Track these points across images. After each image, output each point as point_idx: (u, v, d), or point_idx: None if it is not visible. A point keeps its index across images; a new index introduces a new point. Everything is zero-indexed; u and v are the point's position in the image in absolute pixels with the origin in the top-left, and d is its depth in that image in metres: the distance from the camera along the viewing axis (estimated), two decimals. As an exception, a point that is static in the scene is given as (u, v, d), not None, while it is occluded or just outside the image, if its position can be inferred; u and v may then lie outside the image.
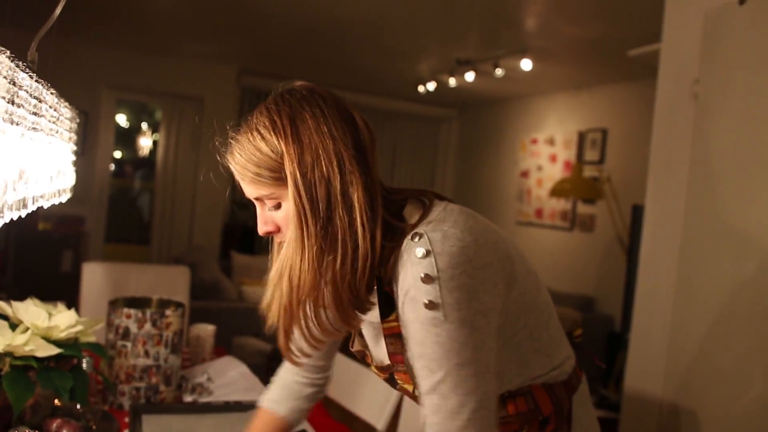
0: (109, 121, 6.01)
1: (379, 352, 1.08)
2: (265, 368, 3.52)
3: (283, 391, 1.30)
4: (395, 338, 1.00)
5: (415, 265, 0.90)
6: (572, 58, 4.75)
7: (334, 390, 2.15)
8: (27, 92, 0.88)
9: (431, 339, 0.90)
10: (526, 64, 4.57)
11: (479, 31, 4.39)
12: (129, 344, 1.70)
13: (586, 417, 1.09)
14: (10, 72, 0.75)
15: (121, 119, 8.04)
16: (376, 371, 1.13)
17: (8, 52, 0.73)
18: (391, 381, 1.09)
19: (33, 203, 1.01)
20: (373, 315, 1.04)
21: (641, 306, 2.47)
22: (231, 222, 6.49)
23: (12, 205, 0.85)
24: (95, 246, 5.82)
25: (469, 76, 5.02)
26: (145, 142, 7.80)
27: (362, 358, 1.16)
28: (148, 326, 1.70)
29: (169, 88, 6.04)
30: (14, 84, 0.79)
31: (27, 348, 1.42)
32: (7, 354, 1.41)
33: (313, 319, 1.00)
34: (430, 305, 0.89)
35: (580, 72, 5.15)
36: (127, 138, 8.33)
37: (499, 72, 4.74)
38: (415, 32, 4.46)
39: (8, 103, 0.76)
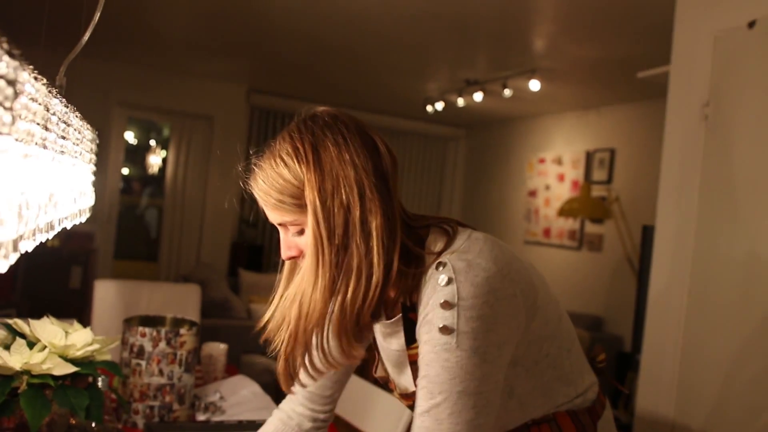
0: (119, 138, 6.07)
1: (404, 379, 1.09)
2: (273, 387, 3.52)
3: (280, 426, 1.24)
4: (416, 366, 1.00)
5: (436, 292, 0.91)
6: (580, 79, 4.78)
7: (344, 409, 2.15)
8: (58, 117, 0.91)
9: (439, 362, 0.90)
10: (534, 85, 4.60)
11: (488, 52, 4.43)
12: (143, 363, 1.71)
13: None
14: (45, 99, 0.77)
15: (129, 136, 8.11)
16: (399, 398, 1.13)
17: (44, 79, 0.75)
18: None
19: (59, 225, 1.03)
20: (398, 342, 1.04)
21: (652, 327, 2.46)
22: (239, 240, 6.51)
23: (42, 228, 0.87)
24: (104, 262, 5.85)
25: (478, 96, 5.05)
26: (154, 160, 7.86)
27: (385, 384, 1.17)
28: (162, 345, 1.71)
29: (179, 106, 6.10)
30: (48, 110, 0.81)
31: (44, 366, 1.43)
32: (25, 372, 1.43)
33: (318, 347, 0.99)
34: (445, 330, 0.89)
35: (587, 92, 5.18)
36: (134, 155, 8.39)
37: (507, 92, 4.77)
38: (424, 53, 4.51)
39: (42, 128, 0.78)
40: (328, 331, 0.97)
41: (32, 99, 0.73)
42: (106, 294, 2.66)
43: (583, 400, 1.06)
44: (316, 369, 1.02)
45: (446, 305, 0.89)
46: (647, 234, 3.75)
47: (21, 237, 0.77)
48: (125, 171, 7.62)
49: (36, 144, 0.79)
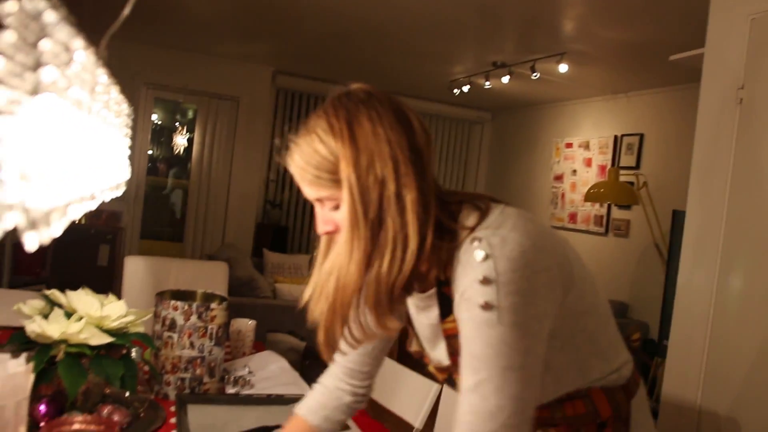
0: (146, 119, 6.12)
1: (438, 353, 1.10)
2: (299, 365, 3.56)
3: (321, 399, 1.30)
4: (455, 339, 1.01)
5: (473, 268, 0.91)
6: (610, 62, 4.72)
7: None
8: (102, 88, 0.92)
9: (482, 339, 0.91)
10: (562, 68, 4.55)
11: (516, 34, 4.38)
12: (175, 335, 1.74)
13: (644, 422, 1.09)
14: (92, 68, 0.79)
15: (153, 117, 8.18)
16: (434, 372, 1.14)
17: (93, 48, 0.76)
18: (450, 382, 1.11)
19: (100, 195, 1.05)
20: (432, 316, 1.05)
21: (680, 312, 2.45)
22: (263, 221, 6.55)
23: (86, 197, 0.88)
24: (131, 242, 5.93)
25: (505, 79, 5.01)
26: (179, 141, 7.91)
27: (419, 358, 1.18)
28: (194, 319, 1.74)
29: (205, 87, 6.13)
30: (94, 79, 0.83)
31: (81, 336, 1.46)
32: (62, 341, 1.46)
33: (355, 318, 1.01)
34: (486, 306, 0.89)
35: (617, 76, 5.12)
36: (159, 135, 8.45)
37: (535, 75, 4.73)
38: (450, 35, 4.47)
39: (89, 97, 0.80)
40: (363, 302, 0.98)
41: (82, 67, 0.74)
42: (135, 270, 2.70)
43: (617, 377, 1.06)
44: (355, 339, 1.04)
45: (485, 281, 0.89)
46: (677, 219, 3.72)
47: (69, 203, 0.79)
48: (150, 152, 7.70)
49: (83, 112, 0.80)
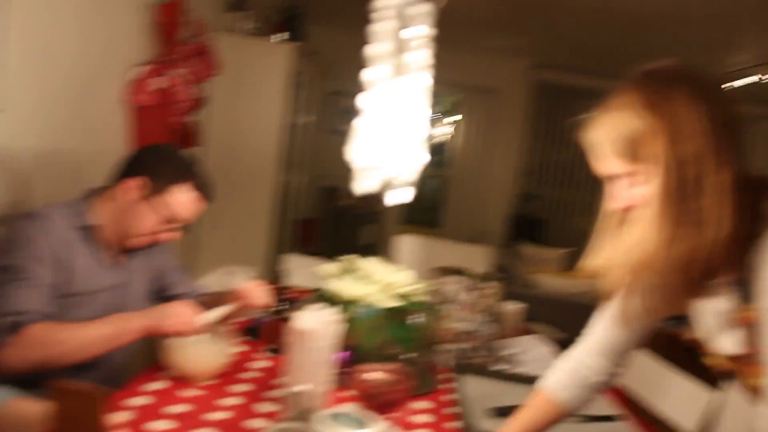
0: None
1: (725, 341, 1.05)
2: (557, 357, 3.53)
3: (570, 376, 1.27)
4: (750, 329, 0.97)
5: None
6: None
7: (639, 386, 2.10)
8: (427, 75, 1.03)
9: None
10: None
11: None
12: (451, 308, 1.85)
13: None
14: (429, 56, 0.89)
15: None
16: (715, 362, 1.09)
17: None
18: (730, 373, 1.06)
19: (412, 173, 1.17)
20: (720, 303, 1.01)
21: None
22: (519, 212, 6.59)
23: (410, 171, 1.00)
24: (390, 224, 6.34)
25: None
26: (438, 131, 8.23)
27: (694, 347, 1.14)
28: (469, 294, 1.84)
29: (466, 79, 6.32)
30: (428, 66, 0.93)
31: (374, 298, 1.63)
32: (358, 301, 1.64)
33: (649, 293, 1.01)
34: None
35: None
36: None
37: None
38: (727, 24, 4.06)
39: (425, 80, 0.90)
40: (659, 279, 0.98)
41: (426, 55, 0.85)
42: (406, 247, 2.92)
43: None
44: (646, 310, 1.04)
45: None
46: None
47: (406, 172, 0.91)
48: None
49: (421, 94, 0.91)
